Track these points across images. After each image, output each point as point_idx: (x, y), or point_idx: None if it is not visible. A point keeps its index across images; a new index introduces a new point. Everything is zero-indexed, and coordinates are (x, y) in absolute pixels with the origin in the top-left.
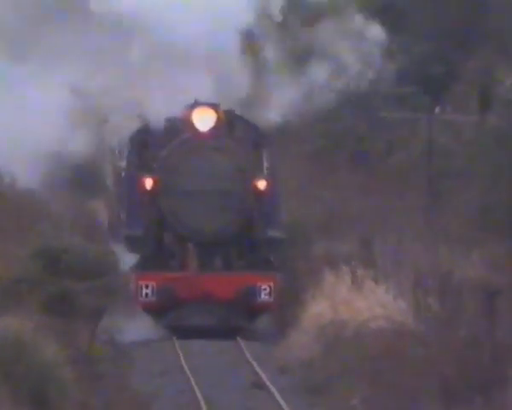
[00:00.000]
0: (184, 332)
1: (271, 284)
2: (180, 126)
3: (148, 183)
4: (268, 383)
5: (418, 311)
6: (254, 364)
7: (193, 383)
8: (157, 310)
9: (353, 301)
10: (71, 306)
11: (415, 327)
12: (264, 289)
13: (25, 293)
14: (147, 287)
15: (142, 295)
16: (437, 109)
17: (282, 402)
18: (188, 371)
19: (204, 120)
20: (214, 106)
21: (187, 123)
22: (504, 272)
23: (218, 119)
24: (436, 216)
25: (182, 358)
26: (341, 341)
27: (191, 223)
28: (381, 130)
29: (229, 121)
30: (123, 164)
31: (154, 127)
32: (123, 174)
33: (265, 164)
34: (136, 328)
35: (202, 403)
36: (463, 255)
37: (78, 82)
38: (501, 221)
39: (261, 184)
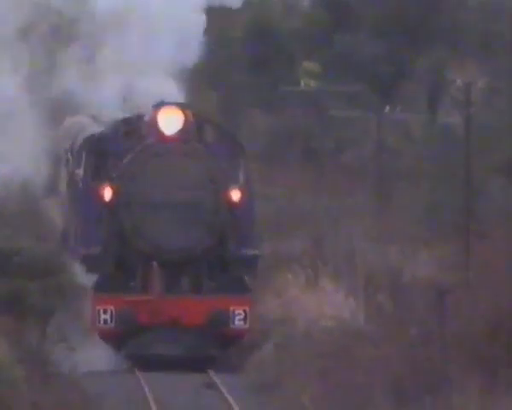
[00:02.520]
0: (148, 363)
1: (246, 308)
2: (143, 129)
3: (107, 193)
4: (218, 382)
5: (369, 310)
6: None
7: None
8: (117, 338)
9: (304, 299)
10: (21, 305)
11: (365, 326)
12: (239, 314)
13: None
14: (105, 312)
15: (99, 322)
16: (387, 108)
17: (231, 401)
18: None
19: (170, 121)
20: (182, 106)
21: (151, 125)
22: (453, 270)
23: (187, 121)
24: (385, 215)
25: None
26: (291, 339)
27: (155, 239)
28: (331, 128)
29: (198, 124)
30: (79, 172)
31: (112, 131)
32: (80, 185)
33: (240, 173)
34: (93, 355)
35: None
36: (413, 254)
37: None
38: (448, 220)
39: (235, 195)
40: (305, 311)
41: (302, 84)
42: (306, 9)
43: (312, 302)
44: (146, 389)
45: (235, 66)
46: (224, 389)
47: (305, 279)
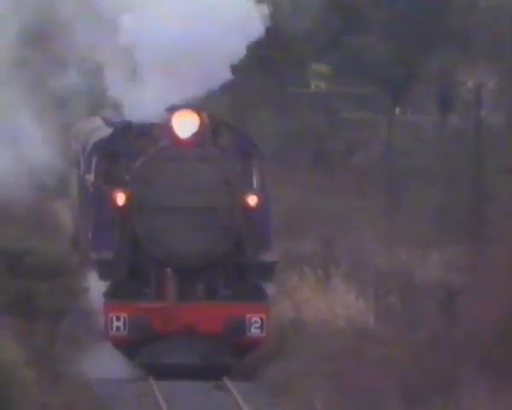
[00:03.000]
0: (162, 371)
1: (263, 315)
2: (155, 131)
3: (120, 198)
4: (229, 384)
5: (379, 311)
6: None
7: None
8: (130, 346)
9: (315, 300)
10: (32, 306)
11: (375, 327)
12: (255, 322)
13: None
14: (118, 319)
15: (112, 329)
16: (397, 110)
17: (242, 403)
18: None
19: (185, 124)
20: (197, 109)
21: (165, 128)
22: (463, 272)
23: (202, 124)
24: (396, 217)
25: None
26: (302, 340)
27: (169, 244)
28: (342, 130)
29: (213, 128)
30: (90, 177)
31: (124, 132)
32: (91, 190)
33: (255, 177)
34: (106, 362)
35: None
36: (423, 256)
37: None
38: (459, 222)
39: (251, 200)
40: (316, 312)
41: (312, 86)
42: (316, 11)
43: (323, 303)
44: (155, 388)
45: (245, 67)
46: (234, 391)
47: (315, 280)
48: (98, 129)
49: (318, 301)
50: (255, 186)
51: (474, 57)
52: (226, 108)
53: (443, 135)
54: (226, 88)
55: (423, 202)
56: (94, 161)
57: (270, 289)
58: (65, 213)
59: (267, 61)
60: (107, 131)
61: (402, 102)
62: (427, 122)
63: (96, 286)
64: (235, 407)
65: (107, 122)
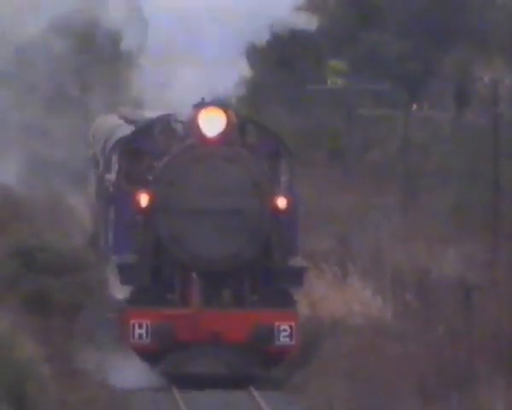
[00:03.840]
0: (186, 381)
1: (292, 323)
2: (180, 129)
3: (143, 199)
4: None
5: (396, 308)
6: None
7: None
8: (152, 354)
9: (331, 297)
10: (48, 303)
11: (392, 324)
12: (284, 330)
13: (2, 291)
14: (140, 326)
15: (134, 337)
16: (414, 106)
17: (260, 400)
18: None
19: (212, 123)
20: (224, 107)
21: (191, 126)
22: (480, 269)
23: (229, 122)
24: (413, 213)
25: None
26: (319, 337)
27: (195, 248)
28: (358, 127)
29: (240, 126)
30: (111, 177)
31: (146, 130)
32: (111, 189)
33: (283, 177)
34: (127, 369)
35: None
36: (440, 252)
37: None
38: (477, 218)
39: (281, 202)
40: (333, 309)
41: (329, 82)
42: (333, 7)
43: (340, 300)
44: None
45: (261, 64)
46: (252, 387)
47: (332, 278)
48: (118, 127)
49: (335, 298)
50: (284, 187)
51: (491, 53)
52: (242, 104)
53: (459, 130)
54: (242, 85)
55: (440, 199)
56: (115, 159)
57: (298, 295)
58: (81, 210)
59: (284, 58)
60: (127, 129)
61: (419, 98)
62: (444, 118)
63: (115, 289)
64: (254, 405)
65: (127, 119)
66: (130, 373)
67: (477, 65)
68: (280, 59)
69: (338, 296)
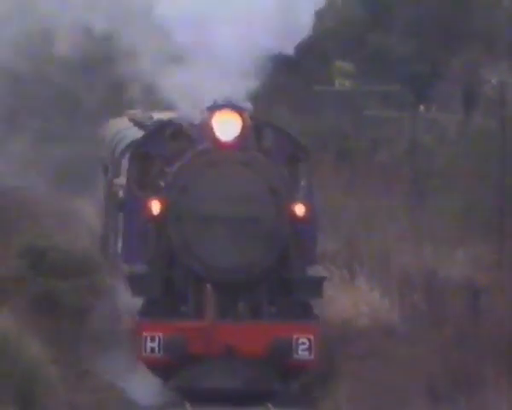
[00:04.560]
0: (199, 396)
1: (311, 336)
2: (192, 132)
3: (155, 206)
4: None
5: (404, 309)
6: None
7: None
8: (165, 368)
9: (339, 299)
10: (56, 304)
11: (400, 326)
12: (303, 344)
13: (10, 292)
14: (152, 339)
15: (145, 350)
16: (421, 108)
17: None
18: None
19: (227, 126)
20: (239, 109)
21: (204, 129)
22: (488, 270)
23: (245, 125)
24: (421, 215)
25: None
26: (327, 339)
27: (209, 258)
28: (366, 128)
29: (256, 129)
30: (120, 181)
31: (156, 133)
32: (120, 194)
33: (302, 183)
34: (138, 384)
35: None
36: (448, 254)
37: None
38: (484, 220)
39: (299, 209)
40: (341, 311)
41: (336, 83)
42: (340, 8)
43: (348, 302)
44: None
45: (268, 65)
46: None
47: (340, 279)
48: (128, 130)
49: (343, 299)
50: (302, 193)
51: (498, 55)
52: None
53: (467, 133)
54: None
55: (448, 200)
56: (125, 164)
57: (318, 306)
58: (89, 211)
59: (292, 59)
60: (137, 132)
61: (426, 100)
62: (452, 120)
63: (126, 300)
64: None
65: (137, 123)
66: (142, 388)
67: (484, 67)
68: (286, 60)
69: (346, 298)
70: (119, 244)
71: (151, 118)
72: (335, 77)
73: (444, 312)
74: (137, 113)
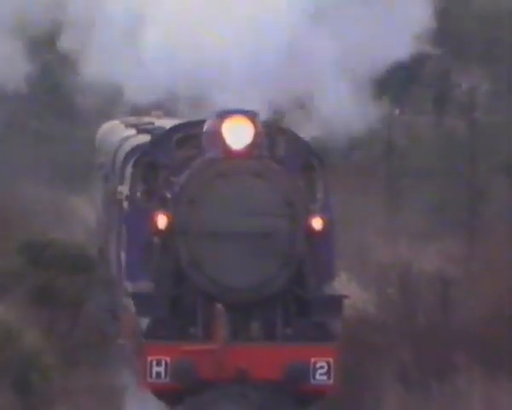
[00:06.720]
0: None
1: (330, 359)
2: (200, 139)
3: (161, 220)
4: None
5: (380, 301)
6: None
7: None
8: (173, 395)
9: None
10: (54, 297)
11: (376, 316)
12: (321, 367)
13: (10, 285)
14: (158, 364)
15: (151, 375)
16: (396, 111)
17: None
18: None
19: (238, 133)
20: (252, 115)
21: (213, 137)
22: (458, 264)
23: (257, 133)
24: (396, 212)
25: None
26: None
27: (219, 275)
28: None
29: (270, 136)
30: (123, 189)
31: (162, 140)
32: (124, 205)
33: (319, 194)
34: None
35: None
36: (421, 249)
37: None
38: (455, 217)
39: (316, 223)
40: None
41: None
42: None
43: None
44: None
45: None
46: None
47: None
48: (130, 137)
49: None
50: (319, 205)
51: (468, 60)
52: None
53: (439, 134)
54: None
55: (421, 198)
56: (128, 173)
57: (337, 327)
58: (86, 209)
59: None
60: (141, 139)
61: (401, 104)
62: (424, 122)
63: (129, 320)
64: None
65: (140, 129)
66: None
67: (455, 72)
68: None
69: None
70: (122, 259)
71: (154, 124)
72: None
73: (416, 302)
74: (134, 118)
